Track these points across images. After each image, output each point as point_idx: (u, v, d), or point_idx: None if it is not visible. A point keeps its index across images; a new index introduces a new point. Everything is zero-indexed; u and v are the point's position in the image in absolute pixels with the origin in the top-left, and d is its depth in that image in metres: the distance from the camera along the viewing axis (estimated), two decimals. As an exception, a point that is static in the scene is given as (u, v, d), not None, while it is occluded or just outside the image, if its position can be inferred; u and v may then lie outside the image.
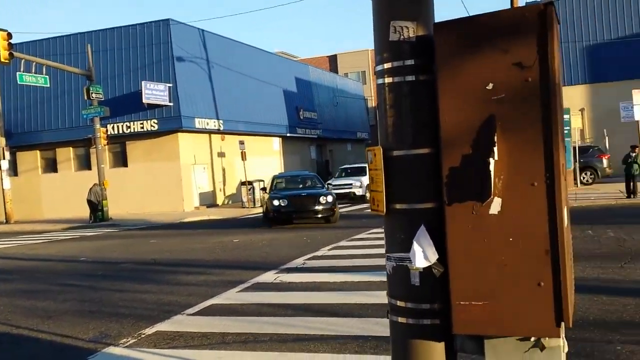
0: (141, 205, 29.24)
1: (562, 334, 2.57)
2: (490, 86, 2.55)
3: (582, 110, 31.88)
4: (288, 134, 38.00)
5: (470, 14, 3.27)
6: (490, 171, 2.51)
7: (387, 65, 2.85)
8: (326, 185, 22.45)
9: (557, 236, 2.47)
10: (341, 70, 58.64)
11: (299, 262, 11.43)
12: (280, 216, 18.95)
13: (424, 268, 2.72)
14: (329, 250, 12.86)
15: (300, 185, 21.46)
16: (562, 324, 2.50)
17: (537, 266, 2.49)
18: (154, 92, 27.98)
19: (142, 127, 29.01)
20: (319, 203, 18.78)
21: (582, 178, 26.25)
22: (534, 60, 2.48)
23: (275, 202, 18.90)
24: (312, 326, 6.69)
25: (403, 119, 2.83)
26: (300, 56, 60.08)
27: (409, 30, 2.78)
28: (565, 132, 24.98)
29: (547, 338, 2.55)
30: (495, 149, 2.50)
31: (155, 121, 28.76)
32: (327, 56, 61.62)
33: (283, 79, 38.56)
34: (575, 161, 25.54)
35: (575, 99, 31.61)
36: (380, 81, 2.91)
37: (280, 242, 15.07)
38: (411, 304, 2.80)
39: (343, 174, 30.05)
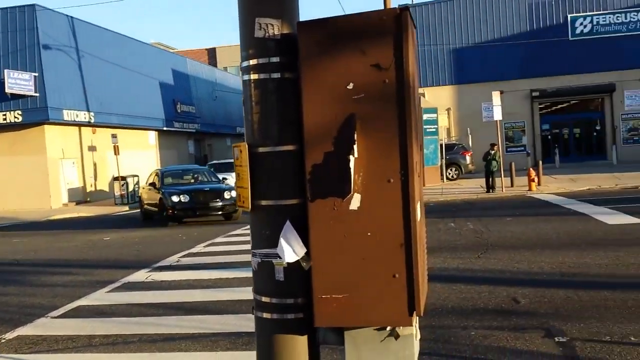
0: (4, 202, 27.28)
1: (415, 323, 2.72)
2: (350, 86, 2.64)
3: (448, 110, 33.72)
4: (164, 128, 36.99)
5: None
6: (350, 168, 2.59)
7: (252, 62, 2.86)
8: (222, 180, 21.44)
9: (411, 230, 2.60)
10: (220, 64, 57.94)
11: (172, 259, 11.18)
12: (181, 213, 17.62)
13: (288, 263, 2.77)
14: (204, 247, 12.69)
15: (193, 180, 19.99)
16: (415, 313, 2.65)
17: (392, 259, 2.61)
18: (18, 82, 26.20)
19: (5, 119, 27.07)
20: (223, 198, 17.59)
21: (448, 174, 27.76)
22: (391, 63, 2.59)
23: (175, 198, 17.46)
24: (183, 325, 6.58)
25: (268, 115, 2.85)
26: (177, 48, 58.62)
27: (274, 27, 2.81)
28: (433, 130, 26.50)
29: (401, 327, 2.68)
30: (355, 147, 2.59)
31: (20, 112, 26.92)
32: (206, 49, 60.62)
33: (159, 71, 37.46)
34: (442, 158, 26.99)
35: (443, 99, 33.37)
36: (245, 77, 2.91)
37: (154, 239, 14.66)
38: (276, 299, 2.84)
39: (212, 170, 29.55)
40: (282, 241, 2.77)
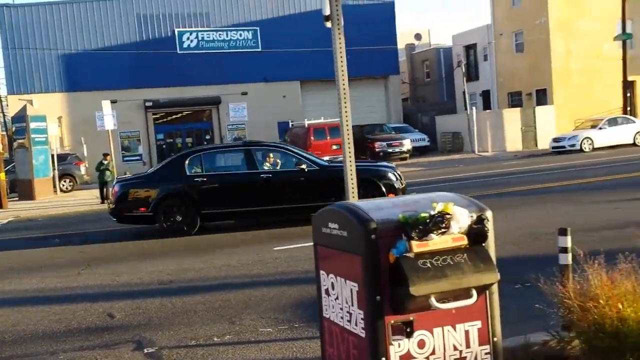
0: None
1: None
2: None
3: (60, 118, 31.97)
4: None
5: None
6: None
7: None
8: None
9: None
10: None
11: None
12: None
13: None
14: None
15: None
16: None
17: None
18: None
19: None
20: None
21: (61, 185, 26.36)
22: None
23: None
24: None
25: None
26: None
27: None
28: (43, 139, 24.81)
29: None
30: None
31: None
32: None
33: None
34: (54, 169, 25.47)
35: (53, 106, 31.48)
36: None
37: None
38: None
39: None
40: None
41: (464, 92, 36.91)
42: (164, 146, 35.68)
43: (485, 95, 42.77)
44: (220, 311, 6.58)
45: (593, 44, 35.32)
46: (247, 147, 13.05)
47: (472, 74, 42.87)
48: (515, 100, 39.32)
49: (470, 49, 44.01)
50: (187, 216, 11.95)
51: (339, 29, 5.84)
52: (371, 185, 11.86)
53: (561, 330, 4.16)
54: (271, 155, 12.71)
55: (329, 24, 5.92)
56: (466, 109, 34.93)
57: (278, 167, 12.61)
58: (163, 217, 11.84)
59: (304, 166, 12.26)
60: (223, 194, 12.05)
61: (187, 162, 12.29)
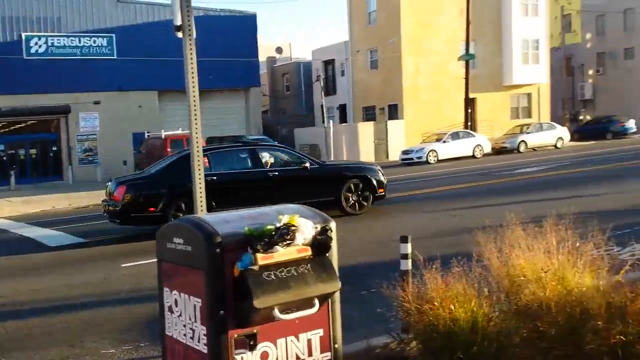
0: None
1: None
2: None
3: None
4: None
5: None
6: None
7: None
8: None
9: None
10: None
11: None
12: None
13: None
14: None
15: None
16: None
17: None
18: None
19: None
20: None
21: None
22: None
23: None
24: None
25: None
26: None
27: None
28: None
29: None
30: None
31: None
32: None
33: None
34: None
35: None
36: None
37: None
38: None
39: None
40: None
41: (322, 106, 37.92)
42: (5, 157, 32.92)
43: (342, 108, 44.29)
44: (59, 334, 6.16)
45: (440, 63, 37.87)
46: (253, 146, 13.61)
47: (330, 88, 44.22)
48: (369, 114, 41.08)
49: (328, 64, 45.41)
50: None
51: (190, 39, 5.75)
52: (366, 180, 13.16)
53: (401, 332, 4.39)
54: (275, 153, 13.46)
55: (180, 35, 5.81)
56: (324, 122, 35.90)
57: (283, 166, 13.21)
58: (173, 217, 11.33)
59: (307, 164, 12.90)
60: (233, 192, 12.21)
61: None
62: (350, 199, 12.99)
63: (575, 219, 4.53)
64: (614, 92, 46.31)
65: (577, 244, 4.20)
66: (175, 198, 11.77)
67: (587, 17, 49.15)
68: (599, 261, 4.09)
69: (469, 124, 35.98)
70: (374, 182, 13.20)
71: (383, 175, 13.64)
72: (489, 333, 3.86)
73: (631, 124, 40.81)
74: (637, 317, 3.52)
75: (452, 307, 3.93)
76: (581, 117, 46.61)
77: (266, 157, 13.09)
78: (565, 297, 3.84)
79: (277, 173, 12.71)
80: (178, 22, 5.79)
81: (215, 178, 11.95)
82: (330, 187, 12.73)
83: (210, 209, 11.42)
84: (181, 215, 11.46)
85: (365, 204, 13.10)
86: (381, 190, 13.33)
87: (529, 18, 40.66)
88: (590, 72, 49.26)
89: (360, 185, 13.01)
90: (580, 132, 41.39)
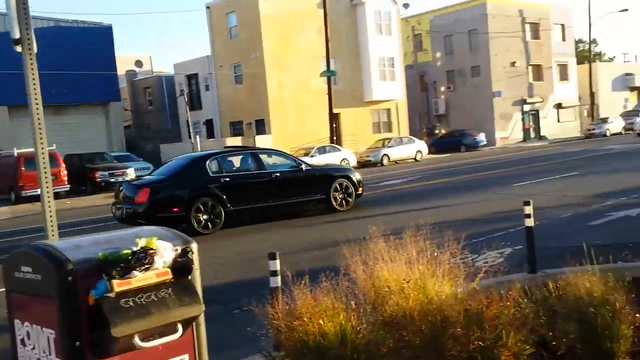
0: None
1: None
2: None
3: None
4: None
5: None
6: None
7: None
8: None
9: None
10: None
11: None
12: None
13: None
14: None
15: None
16: None
17: None
18: None
19: None
20: None
21: None
22: None
23: None
24: None
25: None
26: None
27: None
28: None
29: None
30: None
31: None
32: None
33: None
34: None
35: None
36: None
37: None
38: None
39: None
40: None
41: (187, 121, 37.18)
42: None
43: (209, 123, 43.71)
44: None
45: (302, 78, 38.60)
46: (255, 150, 15.52)
47: (195, 103, 43.50)
48: (237, 129, 40.90)
49: (192, 78, 44.67)
50: (214, 214, 12.63)
51: (30, 53, 5.33)
52: (349, 179, 14.61)
53: (273, 350, 4.33)
54: (274, 157, 14.78)
55: (19, 48, 5.37)
56: (190, 138, 35.20)
57: (282, 167, 14.25)
58: (194, 218, 12.36)
59: (303, 166, 14.31)
60: (244, 192, 13.23)
61: (207, 163, 13.12)
62: (338, 197, 14.29)
63: (433, 230, 4.73)
64: (464, 107, 49.64)
65: (435, 254, 4.38)
66: (195, 199, 12.54)
67: (437, 37, 52.39)
68: (456, 269, 4.28)
69: (335, 138, 36.94)
70: (356, 181, 14.69)
71: (360, 175, 15.37)
72: (358, 345, 3.90)
73: (482, 137, 44.07)
74: (492, 323, 3.72)
75: (322, 321, 3.94)
76: (437, 131, 49.60)
77: (267, 160, 14.32)
78: (427, 306, 3.97)
79: (278, 174, 13.88)
80: (16, 35, 5.37)
81: (228, 179, 13.13)
82: (321, 186, 14.19)
83: (225, 207, 12.84)
84: (201, 216, 12.55)
85: (350, 200, 14.43)
86: (361, 189, 14.84)
87: (383, 37, 42.63)
88: (442, 88, 52.47)
89: (345, 184, 14.42)
90: (436, 145, 43.98)
